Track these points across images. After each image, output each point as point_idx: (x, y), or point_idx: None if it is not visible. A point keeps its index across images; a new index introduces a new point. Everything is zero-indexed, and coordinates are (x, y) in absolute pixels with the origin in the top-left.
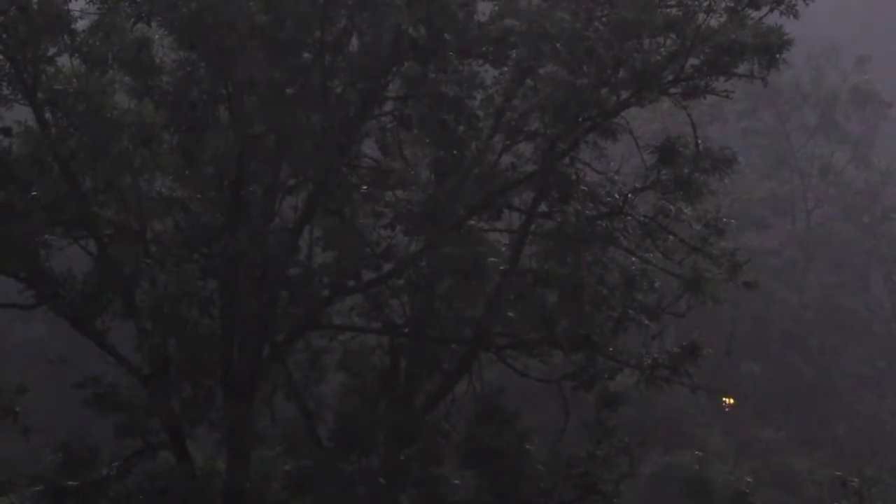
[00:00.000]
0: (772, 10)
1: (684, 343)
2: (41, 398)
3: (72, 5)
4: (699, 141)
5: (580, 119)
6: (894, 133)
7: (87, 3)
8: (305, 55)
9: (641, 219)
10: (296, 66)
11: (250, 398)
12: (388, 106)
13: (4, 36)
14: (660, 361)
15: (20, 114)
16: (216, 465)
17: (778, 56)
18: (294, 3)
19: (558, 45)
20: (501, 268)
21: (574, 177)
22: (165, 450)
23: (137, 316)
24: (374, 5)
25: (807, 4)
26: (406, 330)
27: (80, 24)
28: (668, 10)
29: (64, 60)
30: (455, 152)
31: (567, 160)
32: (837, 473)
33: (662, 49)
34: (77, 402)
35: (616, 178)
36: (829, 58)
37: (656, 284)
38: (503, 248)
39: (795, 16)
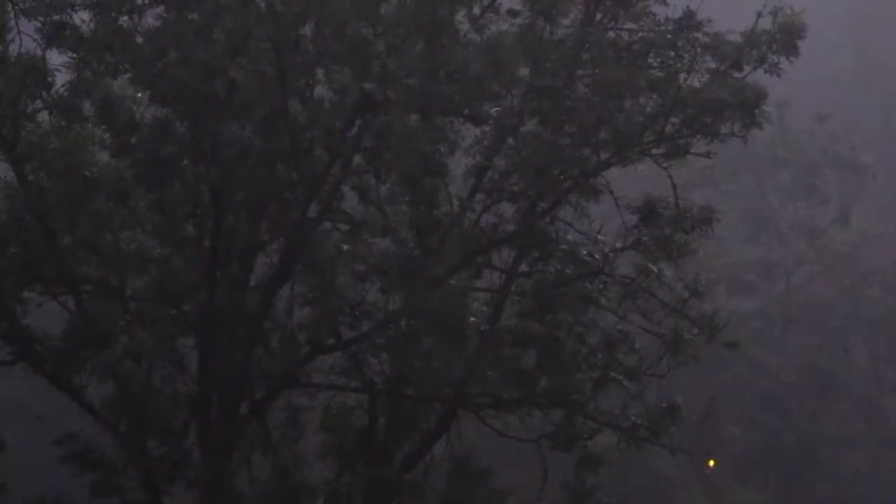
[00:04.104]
0: (755, 69)
1: (664, 404)
2: (18, 455)
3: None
4: (679, 201)
5: (561, 178)
6: (872, 194)
7: (58, 54)
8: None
9: (622, 279)
10: (260, 121)
11: (228, 456)
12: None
13: None
14: (639, 423)
15: None
16: None
17: (756, 111)
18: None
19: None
20: (482, 327)
21: (554, 235)
22: None
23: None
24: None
25: (791, 62)
26: (385, 388)
27: (59, 79)
28: (652, 70)
29: (42, 116)
30: (428, 204)
31: (548, 219)
32: None
33: (646, 109)
34: (54, 459)
35: (599, 238)
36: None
37: (636, 346)
38: (484, 308)
39: (779, 75)
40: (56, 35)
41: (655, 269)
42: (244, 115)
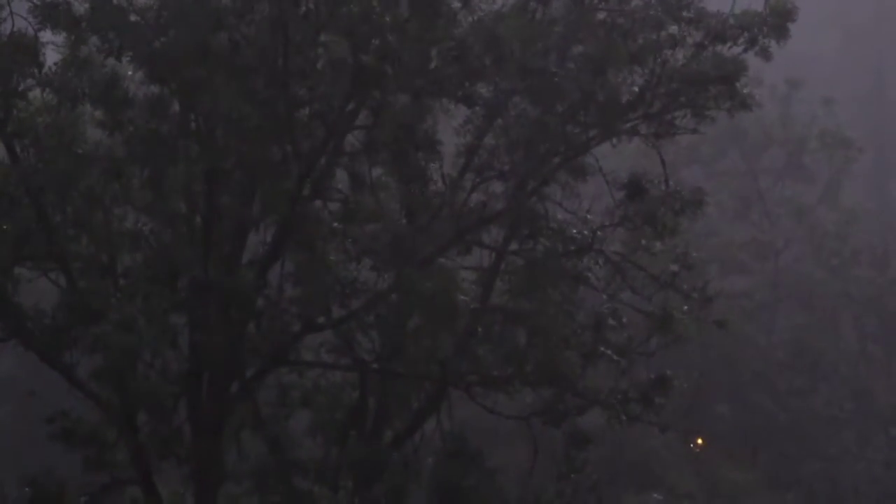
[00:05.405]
0: (746, 50)
1: (653, 376)
2: (9, 432)
3: (43, 39)
4: (669, 181)
5: (549, 155)
6: (862, 173)
7: (53, 34)
8: (269, 84)
9: (611, 255)
10: (260, 96)
11: (218, 434)
12: (356, 136)
13: None
14: (630, 396)
15: None
16: (183, 500)
17: (737, 84)
18: (254, 30)
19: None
20: (472, 305)
21: (543, 212)
22: (133, 484)
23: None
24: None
25: (780, 46)
26: (375, 366)
27: (52, 57)
28: (636, 44)
29: (35, 94)
30: (418, 183)
31: (536, 198)
32: None
33: (629, 84)
34: (45, 436)
35: (588, 216)
36: (793, 92)
37: (624, 320)
38: (473, 286)
39: (767, 58)
40: (49, 15)
41: (643, 242)
42: (242, 84)
